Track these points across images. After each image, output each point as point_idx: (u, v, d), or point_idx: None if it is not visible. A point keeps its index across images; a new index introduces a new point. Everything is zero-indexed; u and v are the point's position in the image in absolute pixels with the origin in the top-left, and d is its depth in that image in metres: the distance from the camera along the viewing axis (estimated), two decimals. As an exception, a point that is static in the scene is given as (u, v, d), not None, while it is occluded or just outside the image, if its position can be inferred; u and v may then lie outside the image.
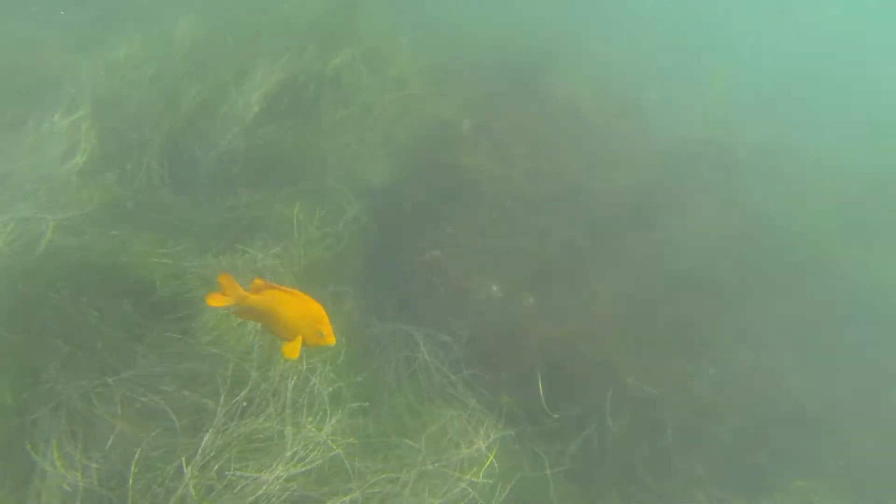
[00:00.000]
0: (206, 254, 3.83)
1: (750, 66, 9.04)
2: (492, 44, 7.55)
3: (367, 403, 3.69)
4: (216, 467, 2.72)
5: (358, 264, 4.75)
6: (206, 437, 2.84)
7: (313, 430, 3.19)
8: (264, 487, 2.77)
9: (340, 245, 4.59)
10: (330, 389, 3.59)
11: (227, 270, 3.55)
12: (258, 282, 3.02)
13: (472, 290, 4.63)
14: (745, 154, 7.08)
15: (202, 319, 3.32)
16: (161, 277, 3.40)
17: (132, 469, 2.66)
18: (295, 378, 3.32)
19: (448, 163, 5.43)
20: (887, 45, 10.10)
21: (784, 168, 7.17)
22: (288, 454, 2.97)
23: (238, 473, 2.75)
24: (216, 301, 3.04)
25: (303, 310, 2.94)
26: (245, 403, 3.16)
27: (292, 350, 2.93)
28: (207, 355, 3.13)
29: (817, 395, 4.95)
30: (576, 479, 3.93)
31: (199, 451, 2.82)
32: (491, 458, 3.50)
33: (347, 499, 2.94)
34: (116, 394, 2.84)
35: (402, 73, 6.29)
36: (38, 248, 3.44)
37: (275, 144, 5.38)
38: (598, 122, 6.60)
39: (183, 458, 2.76)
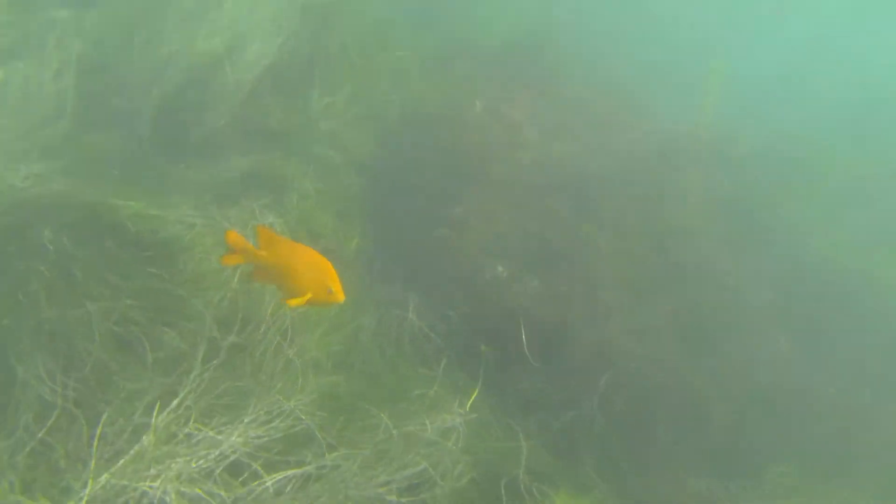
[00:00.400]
0: (196, 203, 3.77)
1: (750, 60, 9.05)
2: (499, 29, 7.51)
3: (342, 378, 3.62)
4: (181, 415, 2.65)
5: (362, 234, 4.71)
6: (177, 385, 2.78)
7: (281, 398, 3.09)
8: (220, 448, 2.68)
9: (338, 204, 4.55)
10: (311, 354, 3.53)
11: (232, 227, 3.53)
12: (262, 231, 2.99)
13: (478, 269, 4.63)
14: (747, 147, 7.12)
15: (182, 259, 3.26)
16: (144, 221, 3.34)
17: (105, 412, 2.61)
18: (276, 330, 3.23)
19: (457, 144, 5.42)
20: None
21: (783, 161, 7.21)
22: (247, 420, 2.88)
23: (198, 430, 2.66)
24: (230, 260, 3.03)
25: (311, 265, 2.89)
26: (216, 362, 3.08)
27: (296, 302, 2.92)
28: (185, 297, 3.07)
29: (809, 387, 4.91)
30: (555, 451, 3.87)
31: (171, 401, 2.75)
32: (467, 404, 3.41)
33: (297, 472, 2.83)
34: (95, 321, 2.80)
35: (404, 54, 6.25)
36: (14, 196, 3.38)
37: (270, 118, 5.35)
38: (605, 113, 6.62)
39: (156, 402, 2.69)
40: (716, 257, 5.55)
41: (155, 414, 2.62)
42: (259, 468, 2.64)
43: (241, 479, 2.65)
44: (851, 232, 6.54)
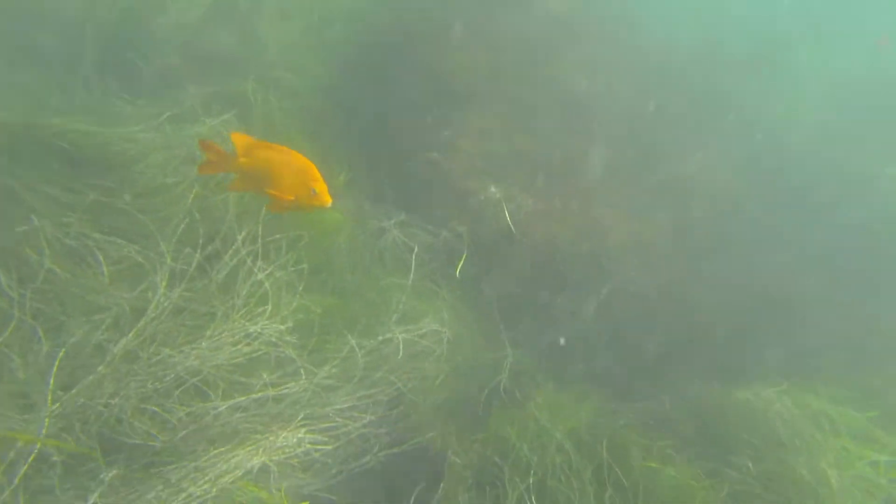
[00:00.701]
0: (150, 124, 3.55)
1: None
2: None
3: (318, 296, 3.46)
4: (145, 336, 2.51)
5: (349, 163, 4.50)
6: (140, 301, 2.61)
7: (245, 322, 2.93)
8: (177, 369, 2.53)
9: (307, 122, 4.33)
10: (284, 274, 3.35)
11: (206, 138, 3.34)
12: (238, 137, 2.81)
13: (471, 190, 4.51)
14: (733, 58, 7.03)
15: (133, 174, 3.08)
16: (88, 138, 3.13)
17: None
18: (248, 250, 3.05)
19: (440, 67, 5.18)
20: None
21: (774, 70, 7.15)
22: (204, 344, 2.71)
23: (160, 350, 2.52)
24: (206, 169, 2.87)
25: (293, 167, 2.75)
26: (180, 288, 2.90)
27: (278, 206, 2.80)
28: (140, 212, 2.90)
29: (806, 293, 4.90)
30: (543, 358, 3.82)
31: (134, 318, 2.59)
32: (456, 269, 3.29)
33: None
34: (42, 235, 2.62)
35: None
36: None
37: (222, 51, 5.04)
38: (593, 30, 6.39)
39: (118, 318, 2.54)
40: (711, 168, 5.50)
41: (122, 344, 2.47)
42: (210, 391, 2.51)
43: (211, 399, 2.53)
44: (845, 136, 6.46)
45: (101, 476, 2.01)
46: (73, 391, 2.13)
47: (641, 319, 4.37)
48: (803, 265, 5.12)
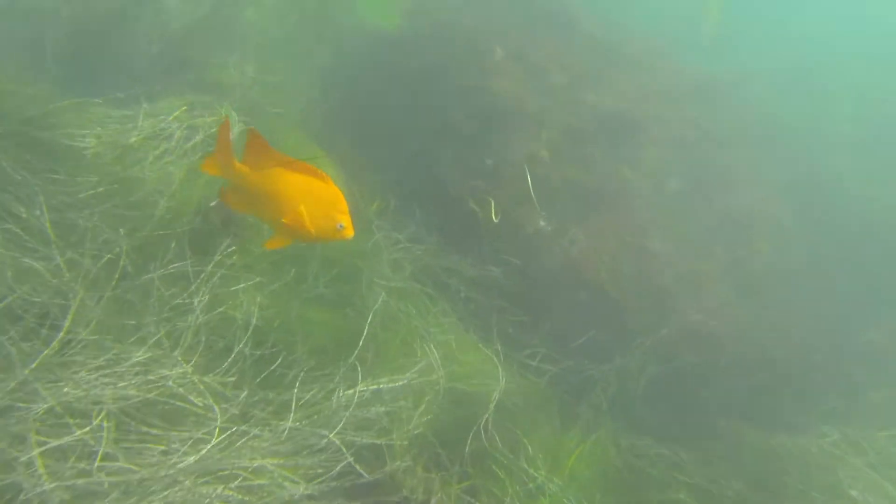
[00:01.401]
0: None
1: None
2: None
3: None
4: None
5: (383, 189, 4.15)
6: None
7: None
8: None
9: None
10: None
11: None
12: (254, 136, 2.32)
13: (517, 223, 4.17)
14: (771, 85, 6.85)
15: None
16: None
17: None
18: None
19: (481, 91, 4.82)
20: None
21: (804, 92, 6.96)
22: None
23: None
24: (211, 167, 2.39)
25: (318, 195, 2.28)
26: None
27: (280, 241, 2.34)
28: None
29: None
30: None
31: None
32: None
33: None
34: None
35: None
36: None
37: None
38: (633, 56, 6.07)
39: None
40: (763, 200, 5.17)
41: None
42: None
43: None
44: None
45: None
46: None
47: (689, 358, 3.96)
48: (868, 306, 4.73)
